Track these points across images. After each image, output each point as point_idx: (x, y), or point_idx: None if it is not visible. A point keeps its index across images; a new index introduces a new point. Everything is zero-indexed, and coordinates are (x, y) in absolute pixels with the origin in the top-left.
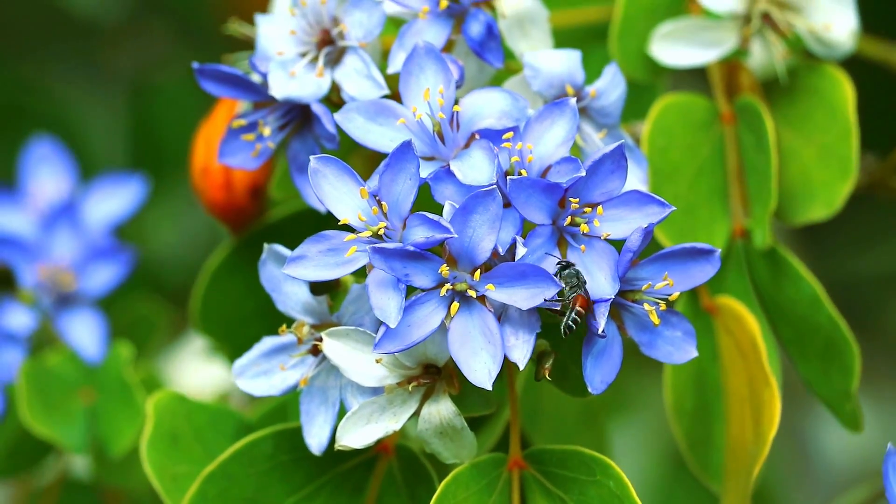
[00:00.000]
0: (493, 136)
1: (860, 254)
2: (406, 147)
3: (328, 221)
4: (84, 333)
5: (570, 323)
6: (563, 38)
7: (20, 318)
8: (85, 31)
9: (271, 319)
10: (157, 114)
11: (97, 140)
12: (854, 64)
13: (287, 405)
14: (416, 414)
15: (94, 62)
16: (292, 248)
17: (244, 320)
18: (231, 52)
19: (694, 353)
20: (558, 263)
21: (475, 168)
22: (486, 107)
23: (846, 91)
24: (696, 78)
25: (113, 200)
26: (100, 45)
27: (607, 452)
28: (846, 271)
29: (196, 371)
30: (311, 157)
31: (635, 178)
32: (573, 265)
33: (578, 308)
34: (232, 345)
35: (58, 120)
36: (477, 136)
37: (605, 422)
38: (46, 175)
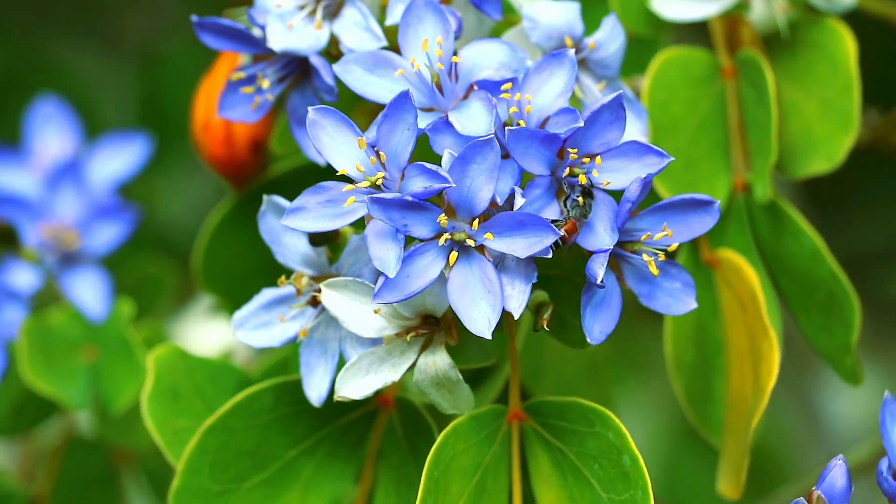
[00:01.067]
0: (491, 87)
1: (865, 219)
2: (404, 97)
3: (329, 176)
4: (88, 292)
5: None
6: None
7: (24, 277)
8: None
9: (274, 274)
10: (165, 81)
11: (105, 108)
12: (856, 20)
13: (289, 361)
14: (415, 365)
15: (99, 30)
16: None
17: (247, 276)
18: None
19: (693, 305)
20: (580, 186)
21: (473, 119)
22: (485, 58)
23: (848, 44)
24: (697, 32)
25: (117, 159)
26: (105, 13)
27: (610, 408)
28: (851, 236)
29: (204, 334)
30: (310, 109)
31: (635, 131)
32: (590, 195)
33: (562, 232)
34: (235, 301)
35: (65, 88)
36: (475, 88)
37: (608, 379)
38: (51, 134)
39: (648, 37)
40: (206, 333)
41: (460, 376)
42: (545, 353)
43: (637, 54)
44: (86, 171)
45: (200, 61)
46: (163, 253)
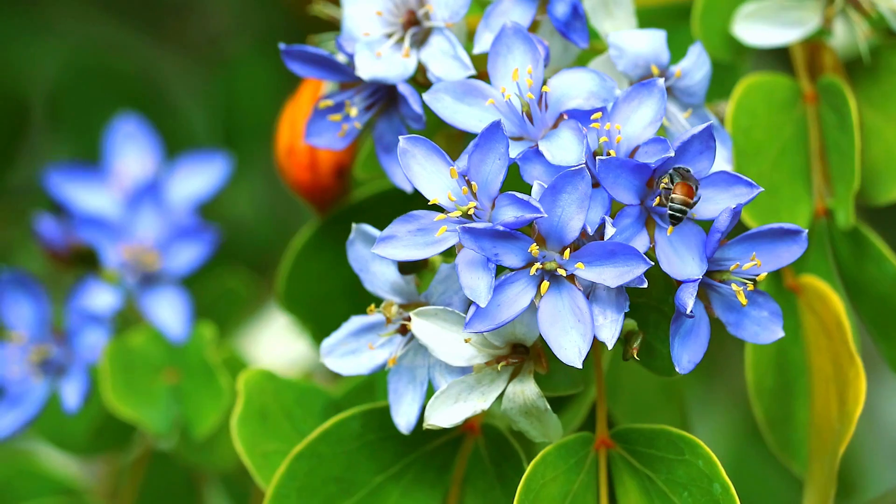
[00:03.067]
0: (581, 117)
1: None
2: (495, 127)
3: (412, 201)
4: (168, 312)
5: (673, 211)
6: (645, 18)
7: (104, 298)
8: (153, 1)
9: (355, 298)
10: (232, 84)
11: (175, 108)
12: None
13: (373, 381)
14: (504, 393)
15: (165, 30)
16: (377, 227)
17: (328, 299)
18: (300, 17)
19: (780, 333)
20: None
21: (564, 148)
22: (575, 87)
23: None
24: (777, 57)
25: (197, 179)
26: (167, 15)
27: (688, 427)
28: None
29: (275, 342)
30: (401, 138)
31: (721, 158)
32: (686, 170)
33: (681, 196)
34: (316, 323)
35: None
36: (565, 117)
37: (684, 396)
38: (131, 153)
39: (729, 62)
40: (279, 344)
41: (548, 406)
42: (622, 370)
43: (718, 79)
44: (166, 190)
45: (267, 64)
46: (232, 257)
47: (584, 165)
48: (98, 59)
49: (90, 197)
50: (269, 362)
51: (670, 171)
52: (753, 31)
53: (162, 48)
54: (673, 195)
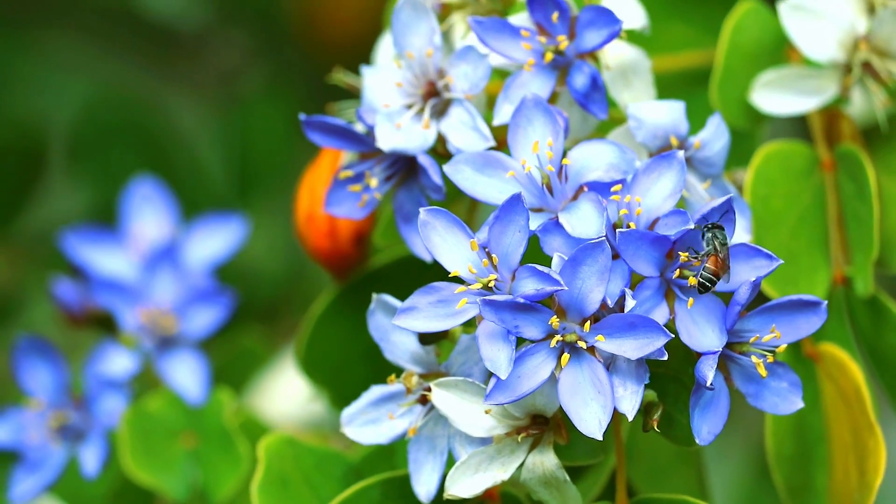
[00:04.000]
0: (601, 189)
1: None
2: (516, 200)
3: (430, 268)
4: (186, 376)
5: (703, 280)
6: (661, 83)
7: (122, 363)
8: (163, 39)
9: (373, 364)
10: (246, 123)
11: (190, 148)
12: None
13: (393, 445)
14: (524, 463)
15: (173, 69)
16: (395, 294)
17: (347, 365)
18: (308, 66)
19: (800, 404)
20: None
21: (584, 220)
22: (595, 159)
23: None
24: (794, 125)
25: (214, 241)
26: (178, 53)
27: (706, 490)
28: None
29: (286, 393)
30: (421, 210)
31: (739, 227)
32: (720, 230)
33: (711, 267)
34: (334, 388)
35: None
36: (585, 189)
37: (701, 458)
38: (148, 216)
39: (746, 130)
40: (289, 393)
41: (567, 477)
42: (637, 433)
43: (736, 147)
44: (182, 253)
45: (280, 103)
46: (245, 303)
47: (604, 238)
48: (113, 100)
49: (107, 259)
50: (281, 413)
51: (704, 227)
52: (771, 99)
53: (174, 87)
54: (706, 265)
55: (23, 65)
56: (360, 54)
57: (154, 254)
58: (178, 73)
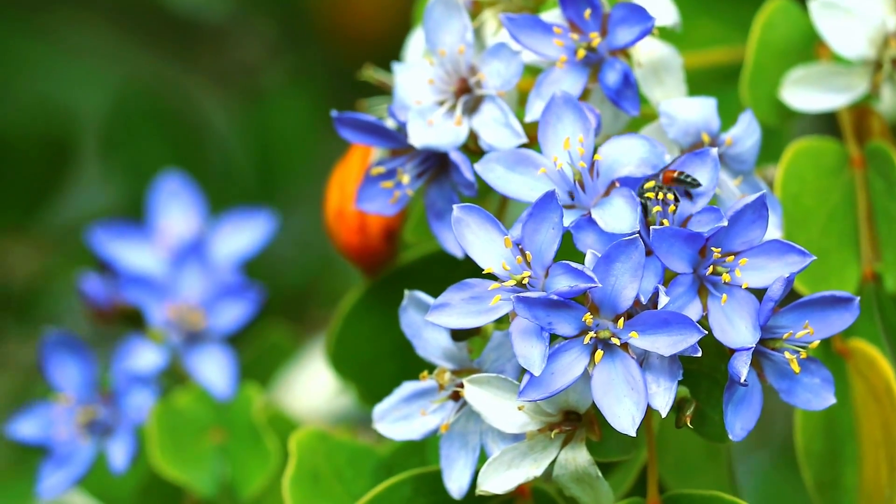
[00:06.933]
0: (633, 184)
1: None
2: (549, 197)
3: (461, 265)
4: (214, 371)
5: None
6: (692, 80)
7: (150, 358)
8: (187, 31)
9: (403, 360)
10: (268, 116)
11: (214, 140)
12: None
13: (425, 443)
14: (556, 460)
15: (195, 60)
16: (425, 290)
17: (377, 360)
18: (332, 59)
19: (832, 400)
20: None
21: (617, 216)
22: (626, 154)
23: None
24: (823, 121)
25: (241, 236)
26: (201, 45)
27: (736, 485)
28: None
29: (312, 386)
30: (455, 207)
31: (771, 225)
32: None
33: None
34: (363, 383)
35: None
36: (617, 184)
37: (730, 453)
38: (176, 211)
39: (776, 126)
40: (315, 386)
41: (600, 473)
42: (666, 428)
43: (765, 143)
44: (210, 248)
45: (303, 95)
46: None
47: (637, 235)
48: (143, 92)
49: (135, 255)
50: (307, 408)
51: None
52: (801, 96)
53: (197, 79)
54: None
55: (50, 56)
56: (384, 47)
57: (182, 249)
58: (202, 65)
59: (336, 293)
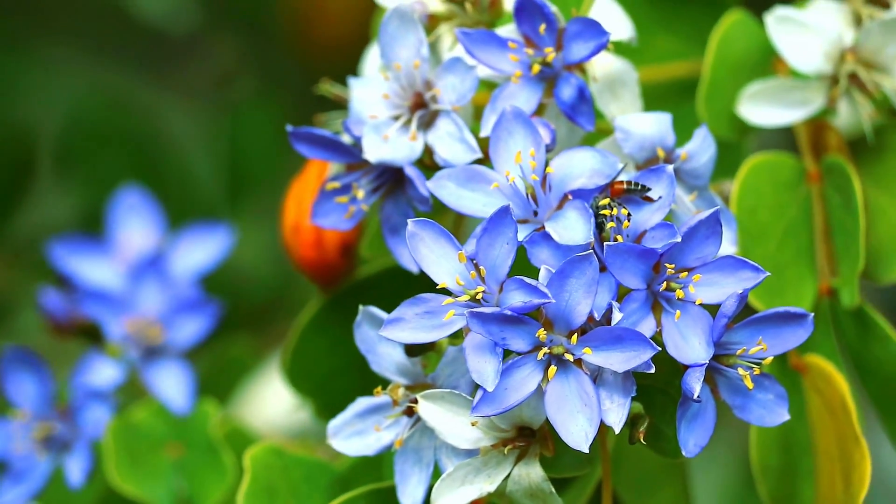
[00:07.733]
0: (585, 196)
1: None
2: (504, 212)
3: (416, 279)
4: (172, 386)
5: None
6: (648, 94)
7: (107, 373)
8: (154, 42)
9: (359, 374)
10: (236, 128)
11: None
12: None
13: (380, 458)
14: (510, 475)
15: (162, 72)
16: (381, 305)
17: (333, 375)
18: (299, 70)
19: (786, 416)
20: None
21: (571, 228)
22: (577, 166)
23: None
24: (780, 136)
25: (200, 250)
26: (168, 57)
27: (690, 501)
28: None
29: (271, 399)
30: (409, 222)
31: (726, 240)
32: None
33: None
34: (320, 398)
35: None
36: (570, 197)
37: (687, 467)
38: (134, 225)
39: (733, 141)
40: (274, 399)
41: (553, 489)
42: (623, 444)
43: (722, 158)
44: (169, 263)
45: (271, 107)
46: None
47: (591, 251)
48: (102, 105)
49: (94, 269)
50: (267, 422)
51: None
52: (758, 111)
53: (163, 91)
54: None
55: (11, 68)
56: (351, 58)
57: (140, 263)
58: (168, 77)
59: (299, 308)
